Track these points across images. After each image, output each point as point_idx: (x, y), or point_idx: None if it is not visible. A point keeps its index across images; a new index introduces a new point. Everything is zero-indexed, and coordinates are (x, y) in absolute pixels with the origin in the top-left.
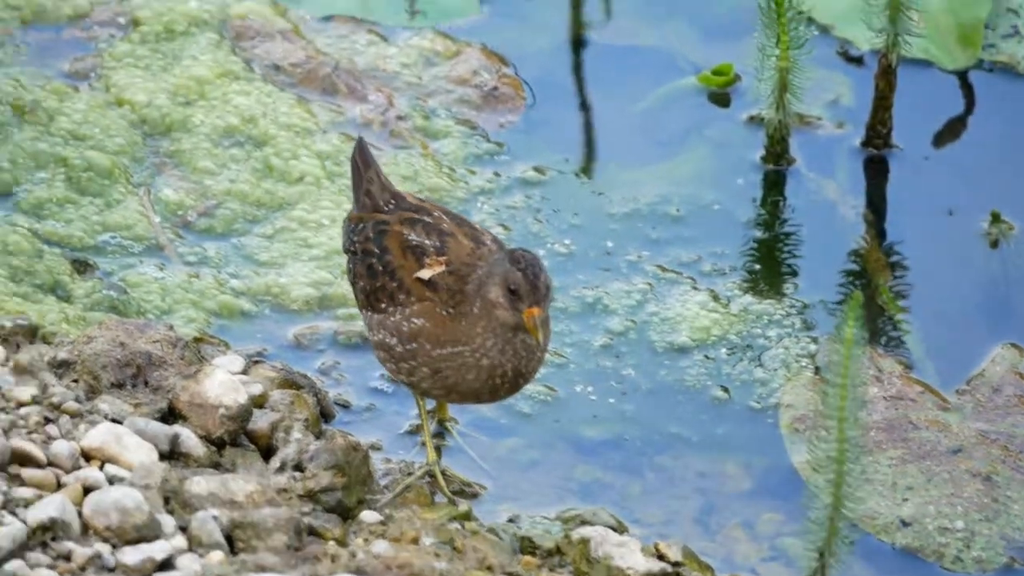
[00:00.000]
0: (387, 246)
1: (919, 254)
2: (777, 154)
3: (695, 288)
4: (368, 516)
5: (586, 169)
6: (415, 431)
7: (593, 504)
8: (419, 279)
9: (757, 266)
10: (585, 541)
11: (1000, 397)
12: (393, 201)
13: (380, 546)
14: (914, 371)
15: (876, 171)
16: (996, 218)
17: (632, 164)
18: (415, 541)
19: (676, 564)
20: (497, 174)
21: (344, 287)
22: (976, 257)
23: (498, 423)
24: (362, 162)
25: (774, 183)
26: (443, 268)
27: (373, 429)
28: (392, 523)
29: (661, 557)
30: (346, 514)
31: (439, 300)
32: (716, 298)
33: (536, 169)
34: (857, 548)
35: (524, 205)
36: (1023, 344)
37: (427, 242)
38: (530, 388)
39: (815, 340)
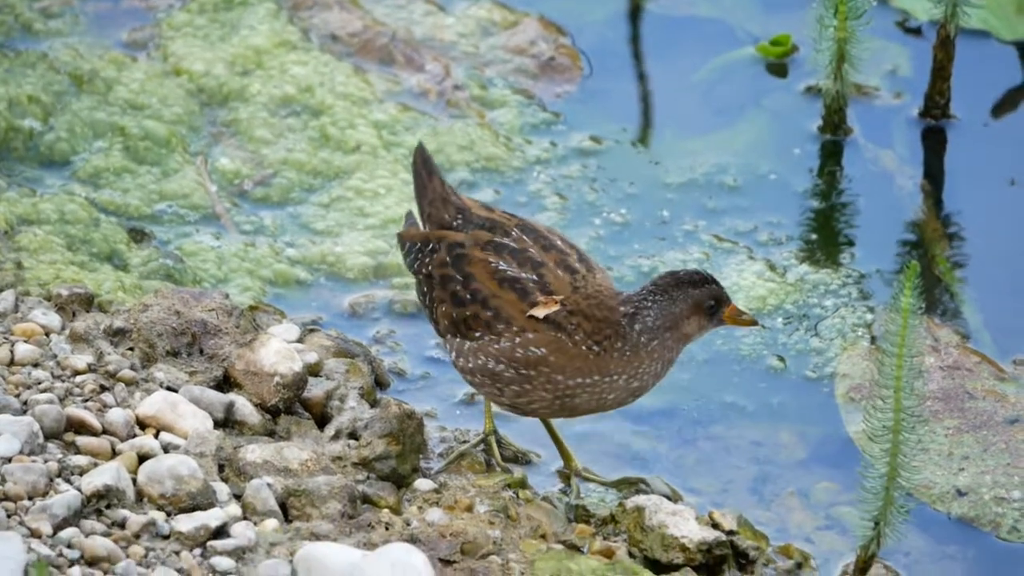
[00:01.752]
0: (472, 273)
1: (977, 224)
2: (834, 124)
3: (751, 258)
4: (422, 484)
5: (643, 139)
6: (470, 400)
7: (648, 473)
8: (533, 317)
9: (814, 236)
10: (640, 510)
11: None
12: (460, 216)
13: (434, 514)
14: (971, 341)
15: (934, 141)
16: None
17: (689, 134)
18: (469, 509)
19: (730, 532)
20: (554, 143)
21: (400, 257)
22: None
23: None
24: (426, 172)
25: (831, 153)
26: (558, 307)
27: (428, 397)
28: (446, 491)
29: (715, 526)
30: (400, 482)
31: (570, 337)
32: (772, 268)
33: (592, 138)
34: (912, 517)
35: (580, 174)
36: None
37: (523, 275)
38: None
39: (871, 310)
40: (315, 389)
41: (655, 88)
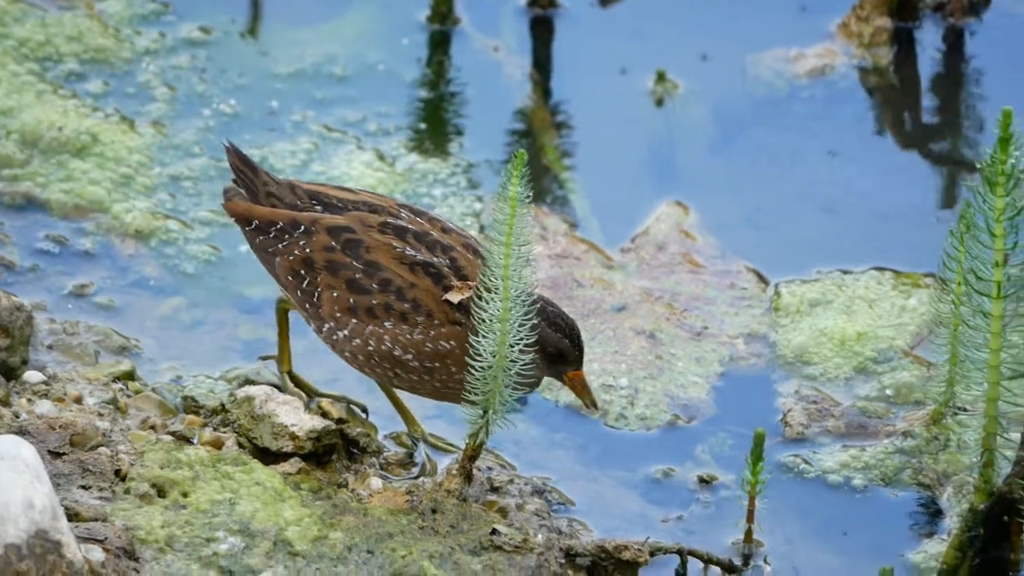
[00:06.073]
0: (376, 261)
1: (585, 113)
2: (442, 14)
3: (360, 148)
4: (32, 376)
5: (252, 29)
6: (77, 292)
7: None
8: (447, 302)
9: (422, 125)
10: (250, 399)
11: (664, 255)
12: (315, 202)
13: (43, 406)
14: (579, 229)
15: (542, 31)
16: (661, 77)
17: (297, 24)
18: (78, 401)
19: (340, 421)
20: (163, 34)
21: (9, 148)
22: (641, 116)
23: (162, 282)
24: (248, 168)
25: (439, 43)
26: (471, 293)
27: (37, 290)
28: (56, 383)
29: (325, 415)
30: (9, 374)
31: (470, 325)
32: (382, 157)
33: (202, 29)
34: (521, 406)
35: (190, 65)
36: (687, 202)
37: (436, 260)
38: (194, 248)
39: (480, 199)
40: None
41: None
